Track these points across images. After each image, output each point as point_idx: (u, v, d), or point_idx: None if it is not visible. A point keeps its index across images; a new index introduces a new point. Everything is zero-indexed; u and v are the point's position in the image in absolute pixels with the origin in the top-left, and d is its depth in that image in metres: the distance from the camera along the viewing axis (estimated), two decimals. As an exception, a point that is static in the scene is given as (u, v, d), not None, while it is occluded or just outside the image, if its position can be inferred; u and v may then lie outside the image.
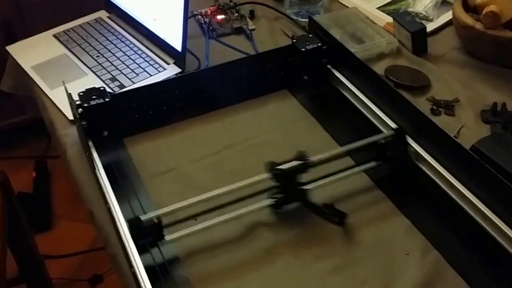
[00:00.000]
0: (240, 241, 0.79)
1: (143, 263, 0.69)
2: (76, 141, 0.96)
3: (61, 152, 0.99)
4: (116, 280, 0.82)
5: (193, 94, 0.99)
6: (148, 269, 0.69)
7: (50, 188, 1.92)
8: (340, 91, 0.99)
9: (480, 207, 0.76)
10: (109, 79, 1.08)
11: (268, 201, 0.80)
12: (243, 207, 0.79)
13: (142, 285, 0.67)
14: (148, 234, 0.74)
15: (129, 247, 0.71)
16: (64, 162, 0.98)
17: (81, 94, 0.90)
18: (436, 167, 0.82)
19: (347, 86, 0.97)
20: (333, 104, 1.00)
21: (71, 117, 0.99)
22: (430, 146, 0.83)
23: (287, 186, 0.80)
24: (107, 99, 0.89)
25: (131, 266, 0.71)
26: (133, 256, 0.70)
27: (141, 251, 0.71)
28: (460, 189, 0.78)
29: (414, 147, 0.85)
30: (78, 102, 0.89)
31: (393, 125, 0.88)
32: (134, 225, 0.73)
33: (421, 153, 0.84)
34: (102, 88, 0.91)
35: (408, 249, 0.77)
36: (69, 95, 0.88)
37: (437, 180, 0.82)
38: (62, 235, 1.77)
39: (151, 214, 0.74)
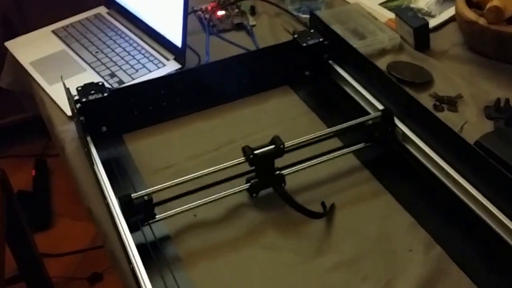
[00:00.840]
0: (231, 219, 0.80)
1: (134, 241, 0.70)
2: (74, 137, 0.95)
3: (59, 149, 0.98)
4: (116, 278, 0.82)
5: (194, 90, 0.98)
6: (140, 247, 0.70)
7: (50, 186, 1.91)
8: (341, 86, 0.98)
9: (482, 200, 0.75)
10: (108, 75, 1.07)
11: (244, 186, 0.81)
12: (229, 189, 0.81)
13: (134, 262, 0.67)
14: (139, 212, 0.75)
15: (121, 224, 0.71)
16: (62, 158, 0.97)
17: (79, 89, 0.89)
18: (431, 154, 0.82)
19: (348, 82, 0.96)
20: (334, 100, 0.99)
21: (69, 113, 0.98)
22: (421, 130, 0.84)
23: (262, 171, 0.80)
24: (105, 94, 0.88)
25: (122, 245, 0.70)
26: (125, 233, 0.71)
27: (132, 229, 0.72)
28: (449, 170, 0.79)
29: (402, 128, 0.86)
30: (76, 97, 0.88)
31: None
32: (125, 202, 0.73)
33: (409, 135, 0.85)
34: (100, 83, 0.90)
35: (411, 245, 0.76)
36: (67, 90, 0.87)
37: (425, 161, 0.83)
38: (61, 233, 1.77)
39: (142, 192, 0.74)
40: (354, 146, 0.88)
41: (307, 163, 0.84)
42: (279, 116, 0.98)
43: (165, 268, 0.73)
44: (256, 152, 0.78)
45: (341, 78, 0.98)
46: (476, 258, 0.74)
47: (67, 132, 0.97)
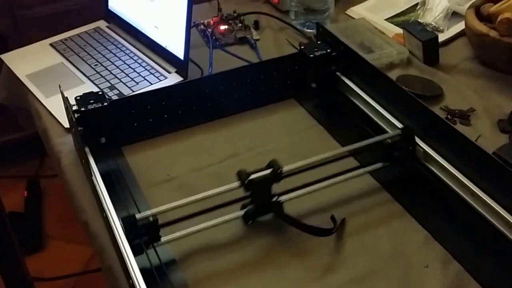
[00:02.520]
0: (240, 243, 0.75)
1: (138, 265, 0.64)
2: (71, 150, 0.91)
3: (55, 162, 0.94)
4: None
5: (196, 102, 0.94)
6: (144, 272, 0.64)
7: (42, 208, 1.86)
8: (350, 99, 0.95)
9: (503, 214, 0.71)
10: (108, 87, 1.03)
11: (239, 213, 0.75)
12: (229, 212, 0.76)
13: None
14: (143, 234, 0.69)
15: (123, 247, 0.66)
16: (58, 171, 0.93)
17: (78, 98, 0.85)
18: (449, 168, 0.77)
19: (358, 94, 0.93)
20: (343, 112, 0.96)
21: (66, 125, 0.95)
22: (443, 148, 0.79)
23: (258, 197, 0.75)
24: (105, 103, 0.84)
25: (125, 269, 0.65)
26: (128, 257, 0.65)
27: (136, 252, 0.67)
28: (476, 191, 0.74)
29: (423, 147, 0.81)
30: (75, 107, 0.84)
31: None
32: (128, 223, 0.68)
33: (431, 154, 0.80)
34: (100, 93, 0.86)
35: (427, 261, 0.72)
36: (66, 99, 0.83)
37: (449, 182, 0.78)
38: (54, 256, 1.71)
39: (147, 213, 0.70)
40: (372, 166, 0.83)
41: (312, 187, 0.78)
42: (286, 129, 0.95)
43: None
44: (252, 177, 0.73)
45: (350, 90, 0.95)
46: (497, 275, 0.70)
47: (64, 144, 0.93)
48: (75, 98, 0.85)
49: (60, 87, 0.85)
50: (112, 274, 0.73)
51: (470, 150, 0.74)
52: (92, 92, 0.86)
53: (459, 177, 0.76)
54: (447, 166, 0.78)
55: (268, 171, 0.73)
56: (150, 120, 0.92)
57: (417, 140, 0.82)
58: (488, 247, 0.73)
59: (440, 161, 0.78)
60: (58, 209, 1.85)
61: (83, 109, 0.83)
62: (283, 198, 0.76)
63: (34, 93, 1.05)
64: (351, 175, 0.81)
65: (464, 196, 0.76)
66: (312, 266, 0.72)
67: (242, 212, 0.75)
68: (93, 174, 0.78)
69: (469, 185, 0.75)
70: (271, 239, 0.75)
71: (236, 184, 0.73)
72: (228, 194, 0.74)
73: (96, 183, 0.77)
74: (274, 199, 0.75)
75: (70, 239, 1.74)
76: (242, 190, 0.73)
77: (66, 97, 0.83)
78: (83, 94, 0.85)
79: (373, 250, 0.74)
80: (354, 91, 0.94)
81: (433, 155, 0.79)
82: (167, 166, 0.88)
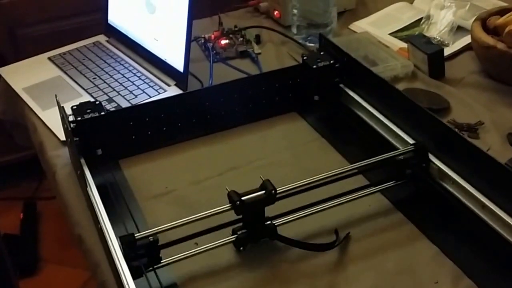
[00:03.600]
0: (242, 265, 0.71)
1: None
2: (66, 163, 0.88)
3: (49, 175, 0.92)
4: None
5: (196, 114, 0.92)
6: None
7: (38, 231, 1.82)
8: (354, 111, 0.92)
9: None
10: (106, 100, 1.01)
11: (229, 238, 0.71)
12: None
13: None
14: (142, 255, 0.65)
15: (121, 269, 0.62)
16: (53, 185, 0.90)
17: (75, 108, 0.82)
18: (466, 187, 0.73)
19: (362, 106, 0.90)
20: (347, 125, 0.93)
21: (62, 138, 0.92)
22: (457, 164, 0.75)
23: (250, 221, 0.70)
24: (102, 113, 0.81)
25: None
26: (126, 279, 0.61)
27: (134, 275, 0.62)
28: (494, 209, 0.70)
29: (437, 164, 0.77)
30: (71, 117, 0.81)
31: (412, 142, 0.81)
32: (127, 242, 0.64)
33: (446, 171, 0.76)
34: (97, 102, 0.84)
35: (437, 277, 0.68)
36: (62, 109, 0.81)
37: (466, 201, 0.74)
38: (49, 280, 1.66)
39: (146, 233, 0.65)
40: (383, 185, 0.78)
41: (312, 209, 0.73)
42: (287, 142, 0.92)
43: None
44: (244, 198, 0.68)
45: (354, 103, 0.92)
46: (512, 292, 0.66)
47: (59, 157, 0.90)
48: (71, 108, 0.82)
49: (56, 97, 0.82)
50: (105, 289, 0.70)
51: (486, 165, 0.71)
52: (88, 102, 0.84)
53: (473, 193, 0.72)
54: (462, 184, 0.74)
55: (261, 192, 0.69)
56: (149, 132, 0.89)
57: (430, 156, 0.78)
58: (502, 263, 0.69)
59: (455, 178, 0.74)
60: (54, 232, 1.80)
61: (79, 118, 0.80)
62: (278, 221, 0.72)
63: (31, 106, 1.03)
64: (362, 194, 0.76)
65: (477, 211, 0.72)
66: (316, 284, 0.68)
67: (233, 237, 0.70)
68: (88, 186, 0.75)
69: (484, 200, 0.71)
70: (272, 260, 0.71)
71: (227, 206, 0.68)
72: (225, 215, 0.70)
73: (91, 195, 0.74)
74: (268, 222, 0.71)
75: (66, 263, 1.69)
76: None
77: (62, 107, 0.81)
78: (80, 103, 0.83)
79: (379, 266, 0.70)
80: (359, 103, 0.91)
81: (448, 172, 0.75)
82: (165, 179, 0.85)
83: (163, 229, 0.66)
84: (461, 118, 0.93)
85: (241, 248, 0.71)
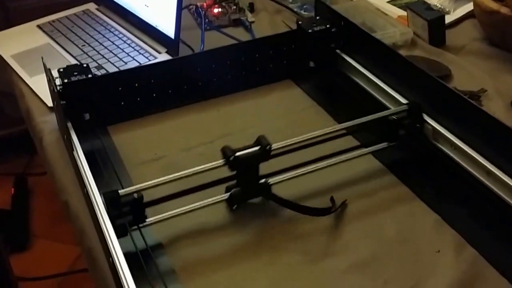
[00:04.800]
0: (230, 226, 0.68)
1: (121, 248, 0.57)
2: (54, 129, 0.85)
3: (37, 142, 0.89)
4: None
5: (187, 81, 0.88)
6: (127, 255, 0.57)
7: (29, 206, 1.79)
8: (352, 78, 0.89)
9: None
10: (95, 67, 0.98)
11: (224, 195, 0.69)
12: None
13: (121, 274, 0.55)
14: (127, 213, 0.63)
15: (105, 227, 0.59)
16: (40, 151, 0.87)
17: (61, 70, 0.79)
18: (464, 148, 0.71)
19: (360, 72, 0.87)
20: (343, 92, 0.90)
21: (50, 104, 0.89)
22: (454, 125, 0.73)
23: (244, 178, 0.68)
24: (89, 76, 0.78)
25: (108, 252, 0.58)
26: (110, 237, 0.58)
27: (119, 233, 0.60)
28: (496, 172, 0.67)
29: (432, 124, 0.74)
30: (58, 80, 0.78)
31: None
32: (111, 199, 0.61)
33: (442, 131, 0.73)
34: (85, 65, 0.80)
35: (439, 246, 0.65)
36: (48, 71, 0.77)
37: (464, 164, 0.71)
38: (39, 255, 1.64)
39: (131, 189, 0.63)
40: (375, 146, 0.76)
41: (306, 168, 0.72)
42: (282, 110, 0.89)
43: (158, 280, 0.60)
44: (237, 154, 0.66)
45: (351, 69, 0.89)
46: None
47: (46, 123, 0.87)
48: (58, 71, 0.79)
49: (42, 59, 0.79)
50: (92, 256, 0.67)
51: (486, 125, 0.68)
52: (76, 65, 0.81)
53: (473, 155, 0.70)
54: (459, 144, 0.71)
55: (256, 148, 0.66)
56: (138, 98, 0.86)
57: (425, 117, 0.75)
58: (506, 230, 0.66)
59: (452, 139, 0.72)
60: (46, 208, 1.77)
61: (66, 81, 0.77)
62: (272, 179, 0.70)
63: (18, 73, 1.00)
64: (352, 155, 0.74)
65: (479, 176, 0.70)
66: (309, 250, 0.66)
67: (226, 195, 0.68)
68: (74, 149, 0.72)
69: (484, 163, 0.68)
70: (264, 222, 0.69)
71: (220, 161, 0.66)
72: (215, 173, 0.68)
73: (78, 158, 0.70)
74: (262, 181, 0.69)
75: (57, 239, 1.67)
76: (228, 172, 0.67)
77: (49, 69, 0.77)
78: (67, 66, 0.80)
79: (377, 234, 0.67)
80: (356, 69, 0.88)
81: (444, 133, 0.73)
82: (154, 145, 0.82)
83: (149, 185, 0.64)
84: (463, 85, 0.89)
85: (234, 207, 0.69)
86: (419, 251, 0.65)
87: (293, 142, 0.70)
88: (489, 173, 0.68)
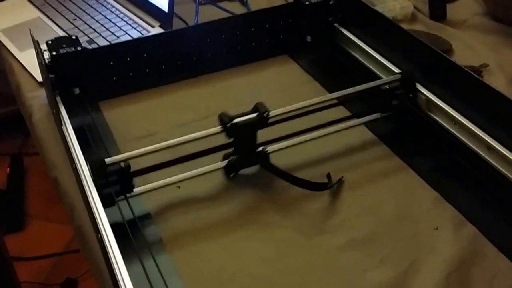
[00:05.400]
0: (222, 197, 0.67)
1: (108, 218, 0.56)
2: (44, 104, 0.83)
3: (26, 117, 0.87)
4: (92, 284, 0.69)
5: (181, 56, 0.86)
6: (114, 226, 0.56)
7: (24, 186, 1.78)
8: (350, 52, 0.87)
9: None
10: (86, 41, 0.95)
11: (220, 164, 0.68)
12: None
13: (107, 245, 0.53)
14: (114, 182, 0.62)
15: (91, 196, 0.58)
16: (30, 127, 0.85)
17: (50, 42, 0.77)
18: (460, 119, 0.69)
19: (359, 46, 0.84)
20: (341, 67, 0.88)
21: (40, 79, 0.87)
22: (449, 95, 0.71)
23: (242, 145, 0.67)
24: (78, 48, 0.75)
25: (95, 224, 0.57)
26: (96, 207, 0.57)
27: (106, 203, 0.59)
28: (493, 144, 0.65)
29: (426, 94, 0.73)
30: (46, 53, 0.76)
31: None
32: (97, 167, 0.60)
33: (436, 101, 0.72)
34: (74, 37, 0.78)
35: (437, 223, 0.64)
36: (36, 43, 0.75)
37: (460, 136, 0.70)
38: (34, 235, 1.63)
39: (117, 157, 0.61)
40: (368, 117, 0.75)
41: (301, 138, 0.71)
42: (278, 85, 0.86)
43: (145, 251, 0.59)
44: (235, 121, 0.65)
45: (350, 43, 0.87)
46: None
47: (36, 98, 0.85)
48: (47, 43, 0.77)
49: (30, 31, 0.77)
50: (82, 234, 0.66)
51: (484, 96, 0.66)
52: (65, 37, 0.79)
53: (473, 129, 0.68)
54: (457, 117, 0.69)
55: (254, 115, 0.66)
56: (130, 73, 0.84)
57: (418, 86, 0.74)
58: (507, 207, 0.64)
59: (447, 109, 0.70)
60: (41, 188, 1.76)
61: (54, 53, 0.74)
62: (270, 148, 0.69)
63: (8, 47, 0.98)
64: (344, 126, 0.73)
65: (478, 150, 0.68)
66: (303, 226, 0.64)
67: (223, 163, 0.67)
68: (63, 124, 0.70)
69: (484, 137, 0.66)
70: (257, 193, 0.67)
71: (217, 128, 0.65)
72: (209, 143, 0.67)
73: (66, 133, 0.69)
74: (260, 149, 0.68)
75: (52, 219, 1.65)
76: (224, 140, 0.66)
77: (37, 42, 0.75)
78: (55, 38, 0.77)
79: (374, 211, 0.66)
80: (355, 44, 0.85)
81: (438, 103, 0.71)
82: (147, 122, 0.80)
83: (138, 154, 0.63)
84: (464, 60, 0.87)
85: (232, 175, 0.68)
86: (417, 228, 0.63)
87: (290, 109, 0.69)
88: (490, 148, 0.66)
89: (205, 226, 0.64)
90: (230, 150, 0.67)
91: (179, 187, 0.67)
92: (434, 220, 0.64)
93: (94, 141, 0.72)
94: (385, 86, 0.74)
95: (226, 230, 0.63)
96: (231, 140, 0.67)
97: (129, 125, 0.79)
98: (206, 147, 0.67)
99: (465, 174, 0.69)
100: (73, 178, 0.69)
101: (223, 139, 0.67)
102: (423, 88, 0.73)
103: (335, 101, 0.74)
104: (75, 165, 0.64)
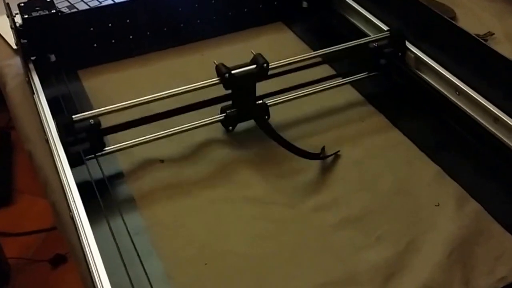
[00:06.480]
0: (202, 157, 0.64)
1: (76, 177, 0.53)
2: (19, 73, 0.78)
3: (1, 86, 0.81)
4: None
5: (167, 22, 0.81)
6: (82, 185, 0.53)
7: (12, 161, 1.73)
8: (349, 19, 0.82)
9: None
10: (67, 6, 0.89)
11: (217, 117, 0.65)
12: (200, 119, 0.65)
13: (72, 205, 0.50)
14: (83, 140, 0.58)
15: (56, 153, 0.55)
16: (4, 97, 0.80)
17: (22, 5, 0.71)
18: (451, 78, 0.65)
19: (358, 12, 0.80)
20: (339, 35, 0.82)
21: (15, 46, 0.81)
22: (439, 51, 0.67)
23: (240, 98, 0.64)
24: (53, 11, 0.70)
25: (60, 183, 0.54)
26: (62, 167, 0.53)
27: (73, 162, 0.55)
28: (504, 118, 0.60)
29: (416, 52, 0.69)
30: (18, 17, 0.70)
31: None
32: (64, 124, 0.56)
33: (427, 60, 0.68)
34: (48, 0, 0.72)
35: (438, 198, 0.59)
36: (7, 6, 0.69)
37: (449, 94, 0.66)
38: (22, 211, 1.59)
39: (87, 114, 0.58)
40: (354, 76, 0.71)
41: (296, 93, 0.69)
42: (272, 54, 0.78)
43: (114, 210, 0.56)
44: (234, 71, 0.62)
45: (348, 8, 0.82)
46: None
47: (11, 66, 0.80)
48: (18, 5, 0.71)
49: (1, -7, 0.71)
50: (56, 210, 0.62)
51: (481, 55, 0.62)
52: (38, -1, 0.73)
53: (478, 99, 0.63)
54: (446, 75, 0.66)
55: (253, 66, 0.63)
56: (113, 40, 0.79)
57: (408, 44, 0.70)
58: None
59: (437, 68, 0.67)
60: (29, 162, 1.71)
61: (26, 16, 0.69)
62: (268, 101, 0.66)
63: (-18, 13, 0.91)
64: (329, 85, 0.70)
65: (483, 121, 0.63)
66: (294, 202, 0.60)
67: (221, 117, 0.65)
68: (35, 93, 0.65)
69: (489, 107, 0.62)
70: (246, 167, 0.63)
71: (215, 79, 0.62)
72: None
73: (38, 102, 0.64)
74: (260, 102, 0.65)
75: (41, 194, 1.60)
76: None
77: (7, 3, 0.69)
78: (28, 0, 0.71)
79: (371, 186, 0.61)
80: (354, 9, 0.81)
81: (429, 62, 0.68)
82: (130, 92, 0.73)
83: (110, 110, 0.59)
84: (468, 29, 0.81)
85: (230, 128, 0.65)
86: (417, 204, 0.59)
87: (288, 61, 0.67)
88: (496, 120, 0.62)
89: (182, 187, 0.61)
90: (228, 103, 0.65)
91: (163, 161, 0.63)
92: (435, 196, 0.60)
93: (70, 112, 0.66)
94: (373, 44, 0.70)
95: (205, 191, 0.60)
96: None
97: (110, 95, 0.74)
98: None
99: (468, 146, 0.65)
100: (48, 152, 0.65)
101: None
102: (413, 46, 0.70)
103: (318, 59, 0.71)
104: (47, 138, 0.59)
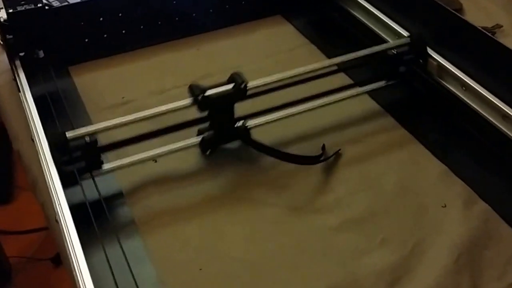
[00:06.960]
0: (203, 173, 0.60)
1: (69, 198, 0.49)
2: (6, 69, 0.75)
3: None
4: None
5: (161, 16, 0.79)
6: (76, 207, 0.50)
7: (13, 158, 1.72)
8: (350, 12, 0.80)
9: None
10: (57, 0, 0.87)
11: (193, 140, 0.61)
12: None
13: (65, 230, 0.46)
14: (78, 159, 0.54)
15: (49, 172, 0.51)
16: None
17: (7, -1, 0.68)
18: (476, 87, 0.61)
19: (359, 4, 0.78)
20: (340, 28, 0.81)
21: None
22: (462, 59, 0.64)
23: (217, 120, 0.60)
24: (39, 5, 0.67)
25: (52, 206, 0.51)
26: (54, 186, 0.50)
27: (67, 182, 0.52)
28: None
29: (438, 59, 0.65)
30: (2, 11, 0.68)
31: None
32: (56, 143, 0.53)
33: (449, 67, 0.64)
34: (36, -7, 0.70)
35: (445, 199, 0.57)
36: (-8, 0, 0.67)
37: (476, 106, 0.63)
38: (23, 208, 1.58)
39: (82, 131, 0.54)
40: (372, 85, 0.68)
41: (291, 110, 0.63)
42: (270, 49, 0.79)
43: (112, 235, 0.52)
44: (208, 93, 0.57)
45: (351, 1, 0.79)
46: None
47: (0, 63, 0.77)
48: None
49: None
50: (45, 211, 0.60)
51: (503, 62, 0.59)
52: (25, -7, 0.70)
53: (487, 96, 0.60)
54: (470, 83, 0.62)
55: (229, 86, 0.58)
56: (105, 35, 0.77)
57: (430, 51, 0.66)
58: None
59: (461, 77, 0.63)
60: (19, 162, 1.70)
61: (11, 10, 0.66)
62: (251, 122, 0.61)
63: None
64: (346, 95, 0.66)
65: (493, 120, 0.61)
66: (294, 205, 0.57)
67: (198, 139, 0.60)
68: (21, 90, 0.62)
69: (500, 106, 0.59)
70: (241, 171, 0.61)
71: (187, 101, 0.57)
72: (191, 115, 0.59)
73: (24, 100, 0.61)
74: (240, 123, 0.60)
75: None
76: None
77: (-7, -2, 0.67)
78: (13, -6, 0.69)
79: (374, 186, 0.59)
80: (356, 2, 0.78)
81: (451, 69, 0.64)
82: (122, 88, 0.73)
83: (105, 127, 0.55)
84: (475, 21, 0.78)
85: (208, 152, 0.61)
86: (423, 205, 0.57)
87: (274, 79, 0.61)
88: (505, 116, 0.59)
89: (184, 206, 0.57)
90: (206, 125, 0.60)
91: (156, 161, 0.60)
92: (442, 197, 0.57)
93: (58, 110, 0.64)
94: (392, 51, 0.66)
95: (208, 211, 0.57)
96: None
97: (102, 91, 0.72)
98: (184, 120, 0.60)
99: (477, 145, 0.62)
100: (36, 151, 0.62)
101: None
102: (435, 53, 0.66)
103: (335, 67, 0.66)
104: (34, 138, 0.56)
